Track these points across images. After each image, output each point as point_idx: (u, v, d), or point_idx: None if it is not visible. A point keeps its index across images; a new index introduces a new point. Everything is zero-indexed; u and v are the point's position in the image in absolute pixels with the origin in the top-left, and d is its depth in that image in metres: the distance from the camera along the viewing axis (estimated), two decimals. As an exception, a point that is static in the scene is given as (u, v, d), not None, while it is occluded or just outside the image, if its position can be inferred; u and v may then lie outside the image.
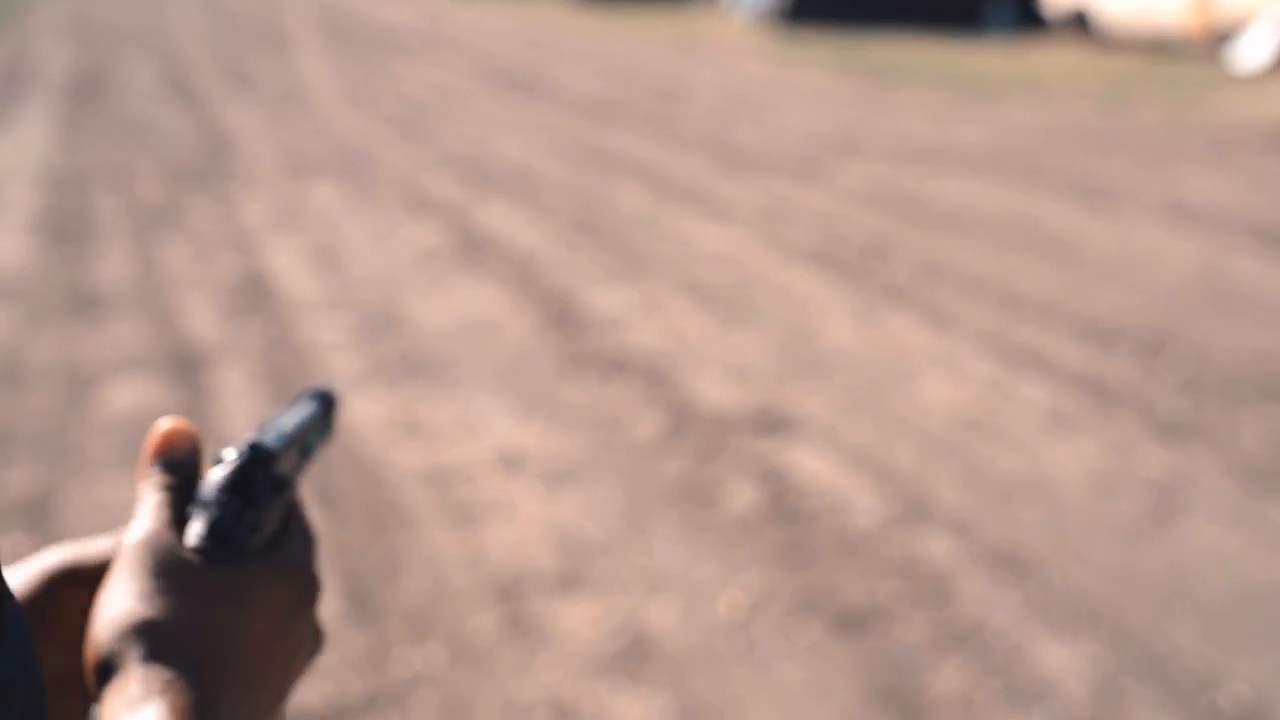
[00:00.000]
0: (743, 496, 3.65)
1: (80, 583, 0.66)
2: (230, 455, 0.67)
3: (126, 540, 0.63)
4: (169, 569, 0.62)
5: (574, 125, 10.67)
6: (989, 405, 4.32)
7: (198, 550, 0.63)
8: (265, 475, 0.68)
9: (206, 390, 4.49)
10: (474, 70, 15.08)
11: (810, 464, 3.86)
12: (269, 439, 0.71)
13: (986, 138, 9.82)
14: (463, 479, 3.78)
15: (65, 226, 6.98)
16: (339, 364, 4.77)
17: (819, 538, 3.41)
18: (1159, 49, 15.76)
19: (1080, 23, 17.23)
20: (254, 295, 5.67)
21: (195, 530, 0.64)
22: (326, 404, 0.84)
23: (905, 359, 4.80)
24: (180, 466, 0.67)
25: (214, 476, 0.66)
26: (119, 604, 0.60)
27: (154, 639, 0.59)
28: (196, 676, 0.58)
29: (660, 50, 17.77)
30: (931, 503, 3.60)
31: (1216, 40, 15.05)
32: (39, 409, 4.32)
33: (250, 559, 0.65)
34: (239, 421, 4.19)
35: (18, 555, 3.18)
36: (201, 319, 5.33)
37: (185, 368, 4.72)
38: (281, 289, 5.78)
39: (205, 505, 0.65)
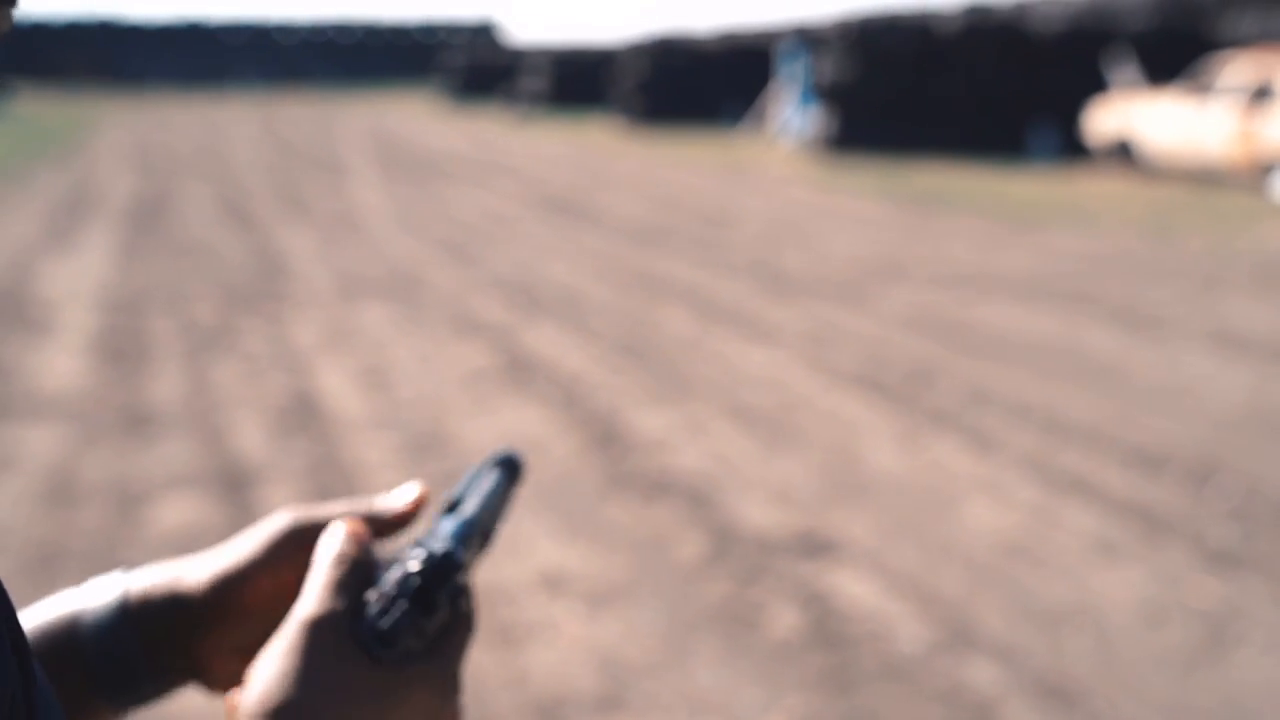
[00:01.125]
0: (785, 620, 3.62)
1: (306, 543, 0.70)
2: (419, 554, 0.66)
3: (297, 613, 0.64)
4: (330, 657, 0.62)
5: (621, 250, 10.84)
6: (1034, 532, 4.28)
7: (365, 645, 0.64)
8: (448, 586, 0.66)
9: (253, 509, 4.54)
10: (523, 196, 15.39)
11: (853, 588, 3.83)
12: (457, 546, 0.68)
13: (1031, 265, 9.86)
14: (505, 599, 3.78)
15: (121, 347, 7.13)
16: (384, 484, 4.81)
17: (862, 663, 3.37)
18: (1203, 179, 15.84)
19: (1124, 152, 17.38)
20: (302, 415, 5.75)
21: (368, 626, 0.64)
22: (512, 473, 0.82)
23: (949, 484, 4.78)
24: (366, 550, 0.68)
25: (397, 573, 0.65)
26: (270, 679, 0.61)
27: (279, 713, 0.60)
28: None
29: (707, 176, 18.07)
30: (976, 630, 3.55)
31: (1261, 171, 15.14)
32: (89, 526, 4.38)
33: (411, 660, 0.65)
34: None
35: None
36: (250, 438, 5.41)
37: (233, 486, 4.78)
38: (329, 409, 5.86)
39: (384, 602, 0.64)
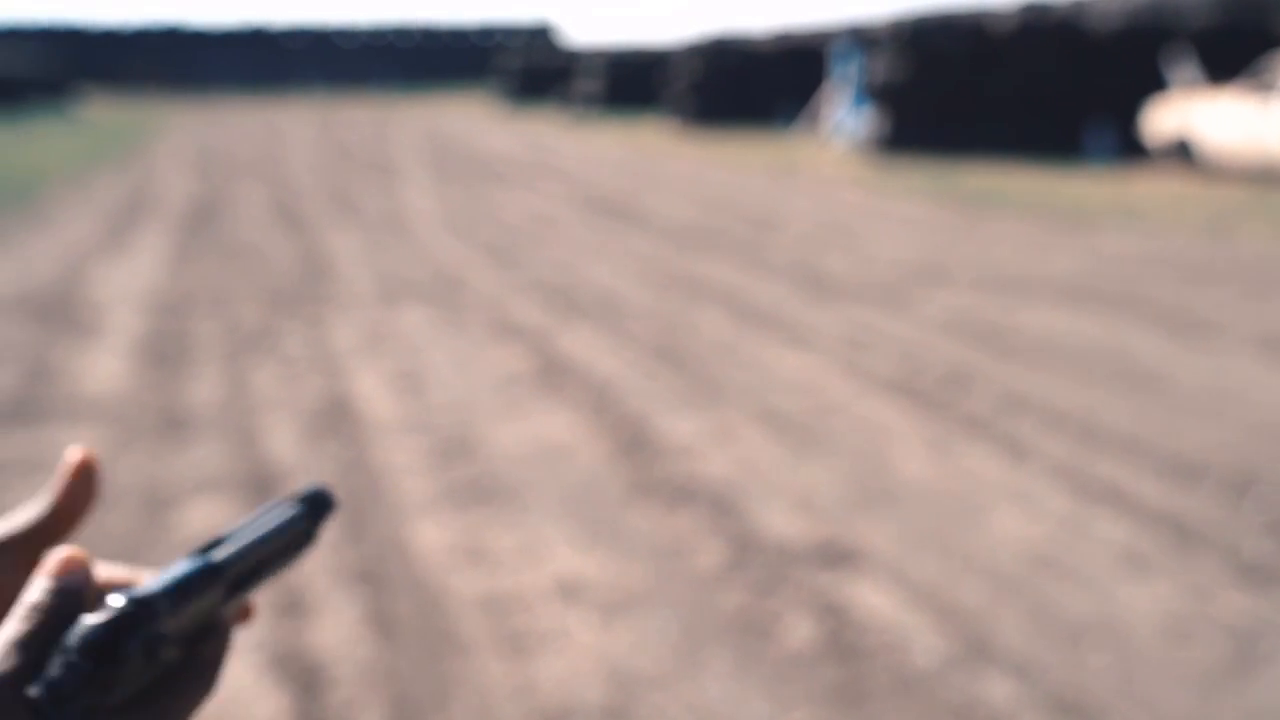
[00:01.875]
0: (800, 631, 3.58)
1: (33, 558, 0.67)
2: (116, 599, 0.61)
3: None
4: None
5: (663, 252, 10.82)
6: (1061, 543, 4.20)
7: (38, 707, 0.59)
8: (140, 635, 0.61)
9: (278, 512, 4.56)
10: (571, 198, 15.41)
11: (871, 599, 3.78)
12: (161, 593, 0.63)
13: (1079, 268, 9.71)
14: (520, 607, 3.77)
15: (165, 350, 7.22)
16: (410, 487, 4.83)
17: (875, 677, 3.32)
18: (1264, 179, 15.53)
19: (1183, 152, 17.07)
20: (335, 418, 5.78)
21: (43, 683, 0.59)
22: (315, 511, 0.77)
23: (978, 493, 4.71)
24: (68, 595, 0.62)
25: (81, 626, 0.60)
26: None
27: None
28: None
29: (756, 178, 18.00)
30: (995, 643, 3.49)
31: (1323, 169, 14.80)
32: (117, 529, 4.43)
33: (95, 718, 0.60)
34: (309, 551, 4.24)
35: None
36: (282, 441, 5.45)
37: (260, 489, 4.81)
38: (362, 412, 5.89)
39: (61, 655, 0.60)
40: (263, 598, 3.80)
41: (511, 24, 79.29)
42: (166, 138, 29.56)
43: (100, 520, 4.51)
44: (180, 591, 0.64)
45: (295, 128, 33.59)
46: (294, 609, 3.76)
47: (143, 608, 0.61)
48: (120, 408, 6.00)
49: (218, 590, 0.68)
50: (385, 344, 7.34)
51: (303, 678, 3.36)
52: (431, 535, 4.34)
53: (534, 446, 5.36)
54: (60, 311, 8.35)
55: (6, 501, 4.61)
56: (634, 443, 5.36)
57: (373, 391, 6.27)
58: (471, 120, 37.99)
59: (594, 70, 37.92)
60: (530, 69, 45.72)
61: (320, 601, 3.81)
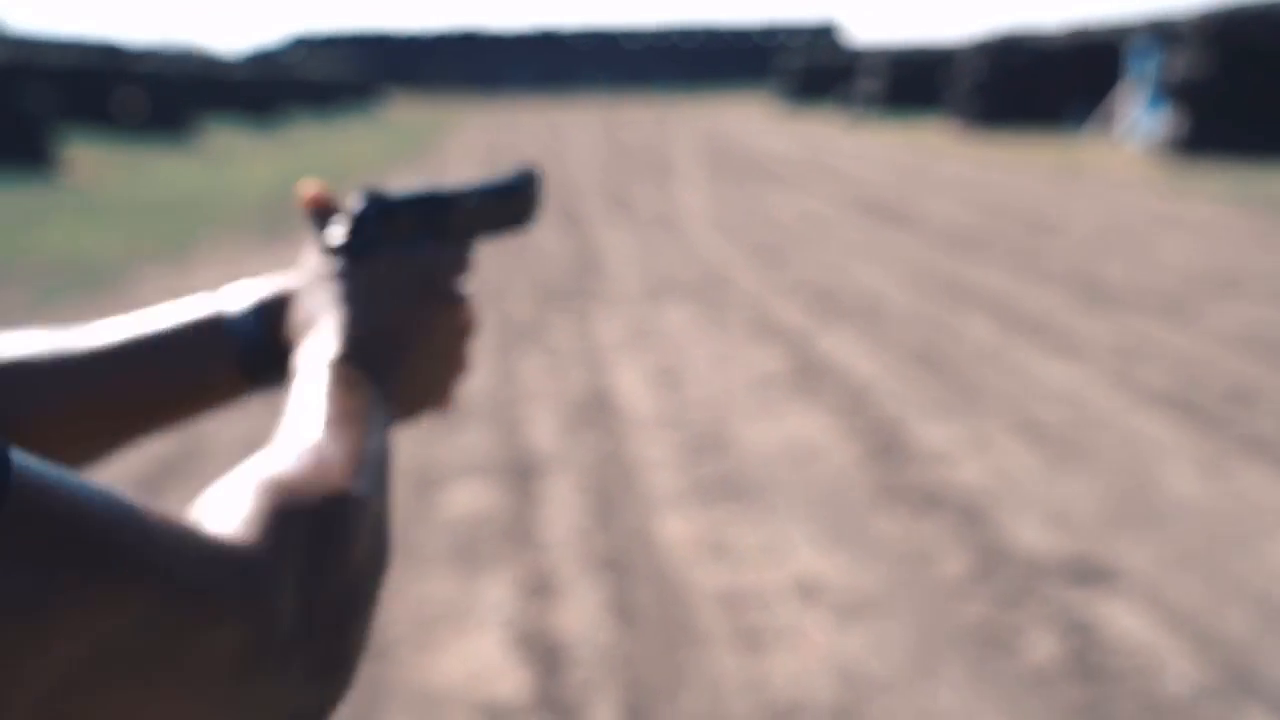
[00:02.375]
0: (1042, 648, 3.48)
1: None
2: (356, 201, 0.92)
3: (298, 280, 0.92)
4: (310, 272, 0.90)
5: (933, 256, 10.62)
6: (1343, 574, 3.91)
7: (333, 250, 0.90)
8: (377, 205, 0.91)
9: (534, 498, 4.77)
10: (844, 199, 15.31)
11: (1124, 620, 3.63)
12: (390, 193, 0.93)
13: (1393, 279, 8.95)
14: (759, 604, 3.81)
15: (442, 338, 7.62)
16: (661, 481, 4.95)
17: (1120, 700, 3.20)
18: None
19: None
20: (595, 411, 5.98)
21: (337, 243, 0.90)
22: (524, 182, 1.03)
23: (1255, 516, 4.44)
24: (326, 216, 0.93)
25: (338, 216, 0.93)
26: (294, 307, 0.90)
27: (304, 322, 0.88)
28: (344, 335, 0.84)
29: (1039, 181, 17.38)
30: (1258, 677, 3.29)
31: None
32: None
33: (373, 251, 0.90)
34: (559, 529, 4.42)
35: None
36: (543, 431, 5.68)
37: (520, 476, 5.04)
38: (621, 406, 6.06)
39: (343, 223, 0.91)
40: (513, 576, 3.99)
41: (795, 23, 79.19)
42: (458, 135, 31.06)
43: (373, 496, 4.82)
44: (408, 198, 0.93)
45: (578, 126, 34.66)
46: (542, 590, 3.93)
47: (375, 193, 0.91)
48: (399, 392, 6.36)
49: (440, 202, 0.96)
50: (647, 340, 7.52)
51: (545, 657, 3.51)
52: (678, 528, 4.43)
53: (785, 446, 5.39)
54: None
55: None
56: (886, 447, 5.31)
57: (632, 386, 6.45)
58: (750, 120, 38.22)
59: (875, 69, 37.44)
60: (811, 68, 45.54)
61: (567, 585, 3.97)
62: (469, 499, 4.78)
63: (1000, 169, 19.38)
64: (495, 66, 73.88)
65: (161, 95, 25.22)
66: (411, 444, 5.48)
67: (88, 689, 0.49)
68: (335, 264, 0.89)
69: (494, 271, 10.14)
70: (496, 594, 3.92)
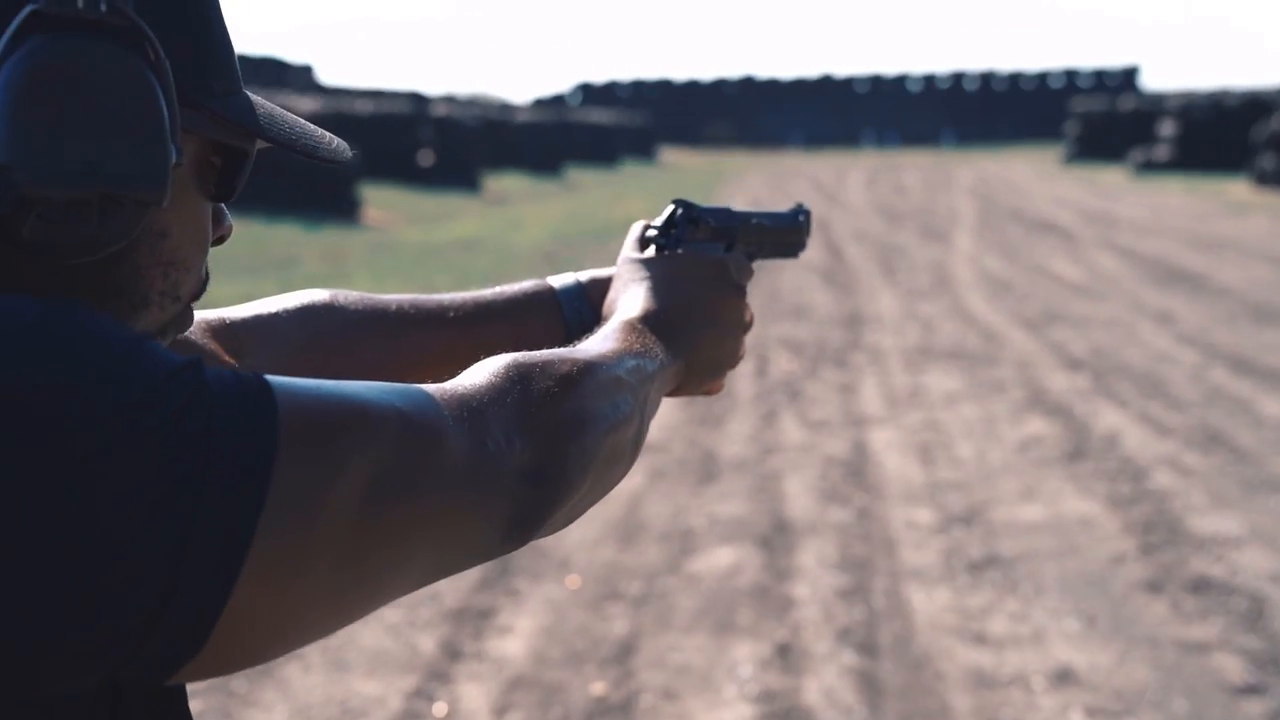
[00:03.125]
0: (1323, 770, 3.25)
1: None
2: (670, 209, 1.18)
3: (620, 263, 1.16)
4: (626, 266, 1.14)
5: (1228, 326, 10.04)
6: None
7: (648, 241, 1.17)
8: (687, 212, 1.17)
9: (787, 567, 4.80)
10: (1129, 262, 14.68)
11: None
12: (697, 204, 1.18)
13: None
14: (1011, 694, 3.72)
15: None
16: (916, 554, 4.89)
17: None
18: None
19: None
20: (852, 476, 5.95)
21: (649, 240, 1.17)
22: (798, 217, 1.28)
23: None
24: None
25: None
26: (622, 298, 1.10)
27: (613, 306, 1.10)
28: (645, 317, 1.06)
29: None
30: None
31: None
32: (645, 564, 4.85)
33: (679, 246, 1.15)
34: (808, 599, 4.43)
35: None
36: (799, 494, 5.70)
37: (774, 540, 5.07)
38: (879, 473, 6.02)
39: (656, 228, 1.18)
40: (761, 646, 4.03)
41: (1093, 68, 76.26)
42: (739, 185, 31.46)
43: (634, 553, 4.96)
44: (710, 210, 1.19)
45: (851, 182, 34.51)
46: (790, 659, 3.95)
47: (685, 203, 1.17)
48: (665, 441, 6.50)
49: (734, 220, 1.21)
50: (910, 405, 7.43)
51: None
52: (931, 605, 4.37)
53: (1049, 526, 5.22)
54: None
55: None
56: (1159, 532, 5.07)
57: (892, 451, 6.38)
58: (1032, 176, 37.11)
59: (1174, 116, 35.66)
60: (1103, 116, 43.78)
61: (816, 656, 3.97)
62: (722, 561, 4.84)
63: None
64: (772, 113, 74.46)
65: (453, 141, 26.61)
66: (668, 498, 5.60)
67: (375, 514, 0.72)
68: (647, 254, 1.13)
69: (759, 320, 10.22)
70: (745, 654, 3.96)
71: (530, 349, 0.93)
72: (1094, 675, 3.83)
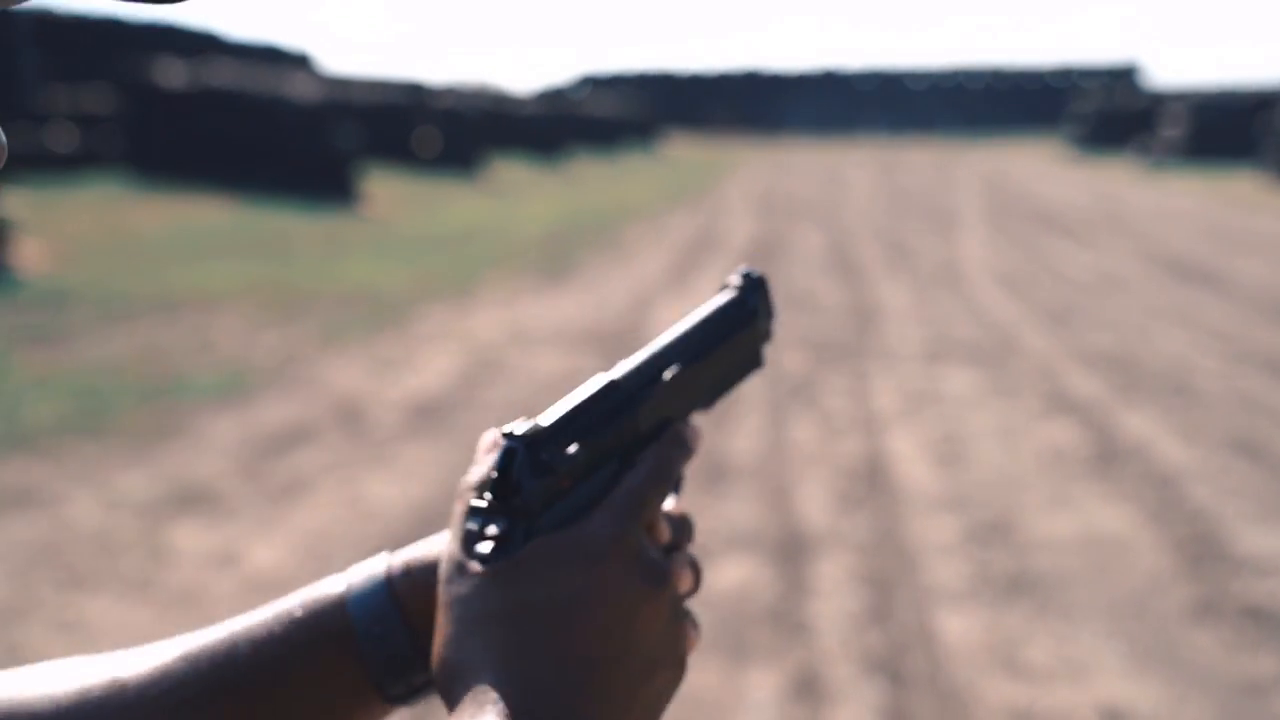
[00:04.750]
0: None
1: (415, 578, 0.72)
2: (504, 438, 0.67)
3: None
4: (454, 594, 0.65)
5: (1247, 325, 9.71)
6: None
7: (475, 559, 0.66)
8: (525, 466, 0.65)
9: (803, 581, 4.46)
10: (1140, 256, 14.35)
11: None
12: (546, 426, 0.67)
13: None
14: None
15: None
16: (942, 571, 4.55)
17: None
18: None
19: None
20: (869, 483, 5.62)
21: (466, 538, 0.68)
22: (743, 305, 0.78)
23: None
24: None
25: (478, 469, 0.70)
26: (434, 646, 0.66)
27: (450, 678, 0.64)
28: (491, 693, 0.61)
29: (1367, 242, 15.84)
30: None
31: None
32: (649, 575, 4.50)
33: (528, 546, 0.65)
34: (828, 620, 4.10)
35: None
36: (814, 503, 5.36)
37: (788, 553, 4.74)
38: (897, 480, 5.68)
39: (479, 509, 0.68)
40: (778, 674, 3.69)
41: (1090, 65, 76.04)
42: (736, 177, 31.10)
43: (635, 566, 4.61)
44: (572, 418, 0.67)
45: (857, 170, 34.20)
46: (810, 693, 3.61)
47: (525, 441, 0.66)
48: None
49: (645, 400, 0.71)
50: (926, 406, 7.09)
51: None
52: (963, 628, 4.03)
53: (1081, 540, 4.88)
54: (620, 350, 8.86)
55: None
56: (1202, 550, 4.73)
57: (910, 457, 6.04)
58: (1037, 167, 36.81)
59: (1174, 114, 35.36)
60: (1105, 112, 43.47)
61: (837, 686, 3.64)
62: (732, 575, 4.51)
63: (1320, 227, 17.80)
64: (775, 107, 74.08)
65: (454, 131, 26.27)
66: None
67: None
68: (477, 573, 0.66)
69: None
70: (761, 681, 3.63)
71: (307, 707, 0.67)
72: (1145, 712, 3.49)
